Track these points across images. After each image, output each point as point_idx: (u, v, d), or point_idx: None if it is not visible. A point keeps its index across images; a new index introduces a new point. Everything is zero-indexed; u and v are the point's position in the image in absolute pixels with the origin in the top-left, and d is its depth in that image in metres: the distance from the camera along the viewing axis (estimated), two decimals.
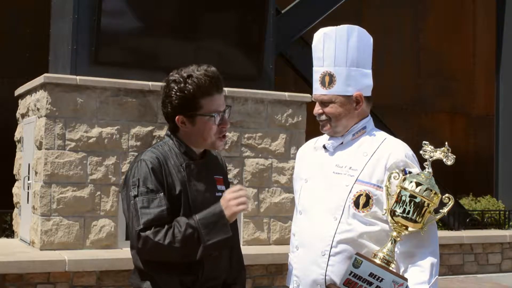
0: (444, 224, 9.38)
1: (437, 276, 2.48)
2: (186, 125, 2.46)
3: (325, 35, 2.67)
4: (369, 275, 2.33)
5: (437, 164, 2.60)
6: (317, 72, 2.68)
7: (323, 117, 2.67)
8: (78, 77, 6.73)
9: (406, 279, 2.40)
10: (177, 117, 2.45)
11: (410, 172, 2.50)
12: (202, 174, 2.50)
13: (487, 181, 11.19)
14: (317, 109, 2.68)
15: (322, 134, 2.78)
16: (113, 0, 7.16)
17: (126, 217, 2.44)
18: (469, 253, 8.85)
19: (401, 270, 2.51)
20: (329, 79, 2.64)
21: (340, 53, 2.64)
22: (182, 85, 2.42)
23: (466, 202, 10.31)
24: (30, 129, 7.11)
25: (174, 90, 2.43)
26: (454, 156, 2.47)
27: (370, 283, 2.33)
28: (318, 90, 2.67)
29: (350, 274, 2.34)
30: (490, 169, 11.07)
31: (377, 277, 2.33)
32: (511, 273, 9.03)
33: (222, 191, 2.51)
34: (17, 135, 7.78)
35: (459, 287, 8.03)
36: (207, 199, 2.45)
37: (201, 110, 2.43)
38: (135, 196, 2.36)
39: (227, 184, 2.62)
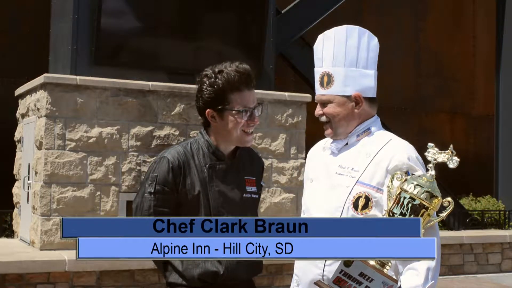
0: (444, 224, 9.38)
1: (433, 281, 2.41)
2: (215, 119, 2.51)
3: (325, 36, 2.67)
4: (359, 275, 2.32)
5: (438, 165, 2.58)
6: (317, 72, 2.69)
7: (323, 118, 2.66)
8: (78, 77, 6.73)
9: (396, 281, 2.36)
10: (207, 110, 2.51)
11: (413, 174, 2.48)
12: (228, 175, 2.54)
13: (487, 181, 11.17)
14: (318, 110, 2.68)
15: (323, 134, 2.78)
16: (113, 0, 7.16)
17: (135, 202, 2.53)
18: (469, 253, 8.85)
19: (400, 273, 2.49)
20: (327, 79, 2.63)
21: (338, 53, 2.63)
22: (212, 80, 2.48)
23: (466, 202, 10.30)
24: (30, 129, 7.11)
25: (205, 84, 2.50)
26: (458, 159, 2.41)
27: (360, 283, 2.32)
28: (318, 90, 2.67)
29: (340, 273, 2.33)
30: (490, 169, 11.05)
31: (367, 277, 2.32)
32: (511, 273, 9.02)
33: (252, 193, 2.57)
34: (17, 135, 7.78)
35: (459, 287, 8.03)
36: (232, 199, 2.50)
37: (230, 104, 2.48)
38: (150, 193, 2.46)
39: (259, 187, 2.66)
